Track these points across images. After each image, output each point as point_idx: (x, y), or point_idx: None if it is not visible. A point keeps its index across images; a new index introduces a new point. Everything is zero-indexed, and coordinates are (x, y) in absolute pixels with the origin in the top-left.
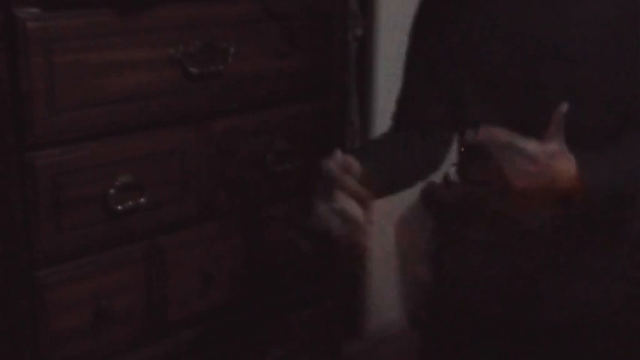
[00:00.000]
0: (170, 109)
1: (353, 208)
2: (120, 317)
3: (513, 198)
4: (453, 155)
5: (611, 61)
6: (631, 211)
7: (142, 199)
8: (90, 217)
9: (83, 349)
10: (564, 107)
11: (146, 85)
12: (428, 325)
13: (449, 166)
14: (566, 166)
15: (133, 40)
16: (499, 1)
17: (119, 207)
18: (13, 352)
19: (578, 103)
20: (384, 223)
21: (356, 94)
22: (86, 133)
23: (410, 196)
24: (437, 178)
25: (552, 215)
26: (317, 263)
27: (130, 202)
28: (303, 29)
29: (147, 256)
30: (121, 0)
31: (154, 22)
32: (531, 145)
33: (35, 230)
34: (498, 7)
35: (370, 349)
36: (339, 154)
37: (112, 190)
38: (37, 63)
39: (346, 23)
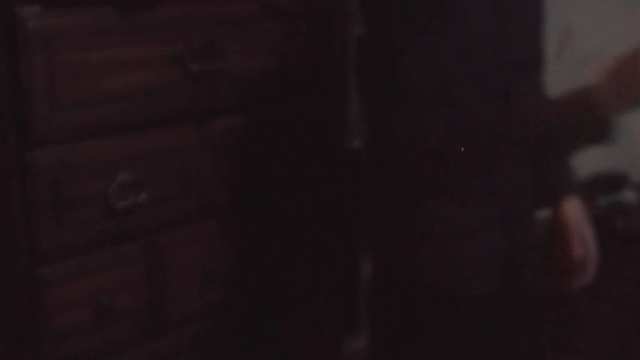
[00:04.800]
0: (170, 107)
1: None
2: (120, 315)
3: None
4: None
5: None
6: None
7: (143, 197)
8: (90, 215)
9: (83, 347)
10: None
11: (146, 84)
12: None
13: None
14: None
15: (134, 39)
16: None
17: (120, 205)
18: (13, 350)
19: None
20: None
21: (356, 94)
22: (87, 131)
23: None
24: None
25: None
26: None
27: (130, 200)
28: (303, 28)
29: (147, 254)
30: None
31: (155, 21)
32: None
33: (36, 228)
34: None
35: (369, 348)
36: None
37: (112, 188)
38: (37, 61)
39: (346, 23)
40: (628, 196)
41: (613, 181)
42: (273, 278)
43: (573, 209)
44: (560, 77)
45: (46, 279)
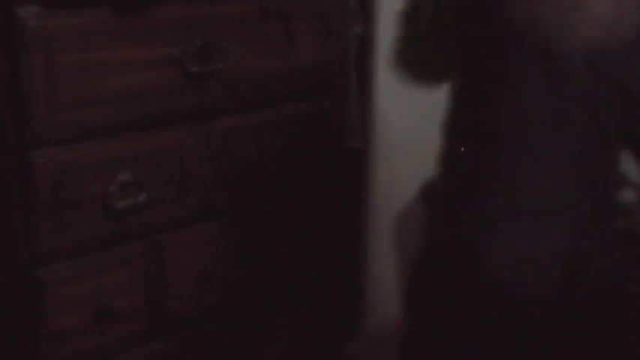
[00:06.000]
0: (170, 108)
1: None
2: (120, 316)
3: None
4: None
5: None
6: None
7: (142, 198)
8: (90, 216)
9: (83, 348)
10: None
11: (146, 84)
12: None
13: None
14: None
15: (134, 40)
16: None
17: (119, 206)
18: (13, 350)
19: None
20: (384, 220)
21: (356, 94)
22: (86, 132)
23: (409, 193)
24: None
25: None
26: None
27: (130, 201)
28: (303, 29)
29: (147, 255)
30: None
31: (155, 22)
32: None
33: (35, 229)
34: None
35: (369, 348)
36: None
37: (112, 189)
38: (37, 62)
39: (346, 22)
40: (628, 196)
41: None
42: (273, 279)
43: None
44: None
45: (46, 279)
